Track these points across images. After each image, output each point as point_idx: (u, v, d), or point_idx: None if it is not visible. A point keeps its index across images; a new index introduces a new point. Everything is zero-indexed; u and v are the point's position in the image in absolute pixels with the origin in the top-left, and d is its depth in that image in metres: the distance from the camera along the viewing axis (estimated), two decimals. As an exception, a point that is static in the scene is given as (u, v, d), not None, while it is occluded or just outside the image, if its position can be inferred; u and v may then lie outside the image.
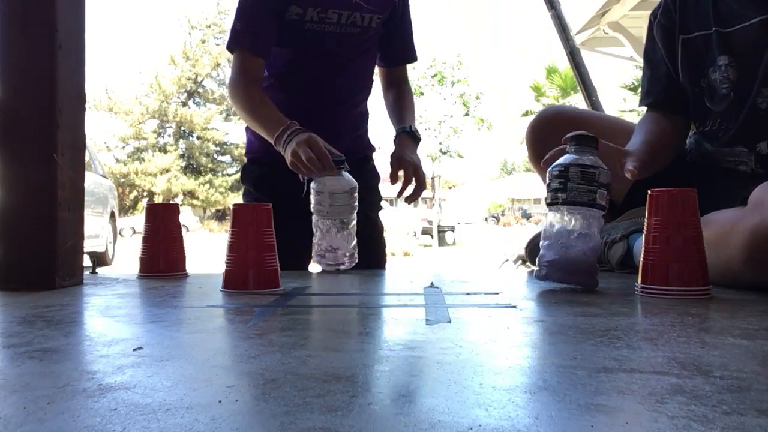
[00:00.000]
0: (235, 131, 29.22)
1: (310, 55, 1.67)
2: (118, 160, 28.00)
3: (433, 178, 17.32)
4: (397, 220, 19.49)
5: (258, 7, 1.59)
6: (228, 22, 26.92)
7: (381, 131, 2.31)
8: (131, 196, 27.74)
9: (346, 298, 1.10)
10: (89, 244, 5.95)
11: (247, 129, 1.84)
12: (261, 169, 1.77)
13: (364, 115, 1.84)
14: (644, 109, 1.57)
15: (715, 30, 1.37)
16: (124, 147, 28.74)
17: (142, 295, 1.15)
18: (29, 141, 1.20)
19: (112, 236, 7.88)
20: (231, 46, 1.64)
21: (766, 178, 1.18)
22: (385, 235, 1.92)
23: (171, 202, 13.51)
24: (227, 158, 29.73)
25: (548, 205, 1.12)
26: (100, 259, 6.44)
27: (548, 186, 1.12)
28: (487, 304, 0.99)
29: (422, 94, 16.27)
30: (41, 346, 0.67)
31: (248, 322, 0.82)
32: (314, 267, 1.89)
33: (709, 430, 0.40)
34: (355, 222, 1.51)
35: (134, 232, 21.48)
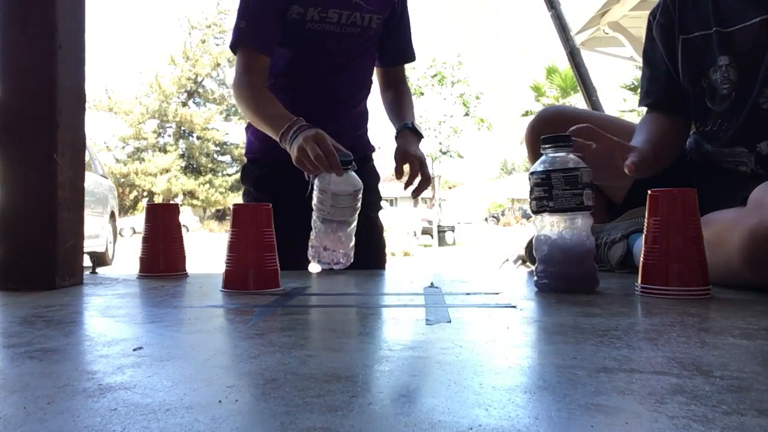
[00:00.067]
0: (235, 131, 29.25)
1: (311, 54, 1.67)
2: (118, 160, 28.01)
3: (433, 178, 17.31)
4: (397, 220, 19.51)
5: (261, 6, 1.59)
6: (228, 22, 26.95)
7: (381, 131, 2.31)
8: (131, 196, 27.74)
9: (346, 298, 1.10)
10: (89, 244, 5.95)
11: (247, 129, 1.84)
12: (261, 169, 1.77)
13: (364, 115, 1.84)
14: (644, 109, 1.57)
15: (715, 30, 1.36)
16: (124, 147, 28.76)
17: (142, 295, 1.15)
18: (29, 141, 1.20)
19: (112, 236, 7.88)
20: (234, 45, 1.63)
21: (766, 178, 1.18)
22: (385, 235, 1.92)
23: (171, 202, 13.51)
24: (227, 158, 29.74)
25: (534, 213, 1.10)
26: (100, 259, 6.45)
27: (531, 193, 1.09)
28: (487, 304, 0.99)
29: (422, 94, 16.28)
30: (41, 346, 0.67)
31: (248, 322, 0.82)
32: (314, 267, 1.89)
33: (709, 430, 0.40)
34: (355, 224, 1.49)
35: (134, 232, 21.49)
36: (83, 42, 1.29)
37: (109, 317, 0.89)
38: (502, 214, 36.98)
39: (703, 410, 0.44)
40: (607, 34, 5.18)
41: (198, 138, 28.73)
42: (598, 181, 1.27)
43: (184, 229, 1.94)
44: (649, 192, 1.06)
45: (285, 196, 1.65)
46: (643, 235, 1.06)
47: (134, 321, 0.87)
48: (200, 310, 0.95)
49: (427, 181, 1.61)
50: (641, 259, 1.05)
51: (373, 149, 1.89)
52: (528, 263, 1.78)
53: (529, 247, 1.64)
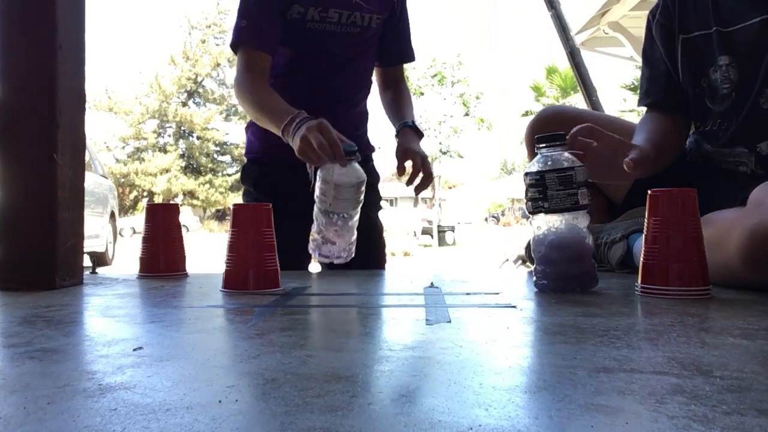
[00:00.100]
0: (235, 131, 29.25)
1: (311, 54, 1.67)
2: (118, 160, 28.01)
3: (433, 179, 17.30)
4: (397, 220, 19.51)
5: (261, 5, 1.59)
6: (228, 22, 26.95)
7: (381, 131, 2.31)
8: (131, 196, 27.75)
9: (346, 298, 1.10)
10: (89, 244, 5.95)
11: (247, 129, 1.84)
12: (261, 169, 1.77)
13: (364, 115, 1.84)
14: (644, 109, 1.57)
15: (715, 29, 1.36)
16: (124, 147, 28.76)
17: (142, 295, 1.15)
18: (29, 141, 1.20)
19: (112, 236, 7.88)
20: (235, 44, 1.62)
21: (767, 178, 1.18)
22: (385, 235, 1.92)
23: (171, 202, 13.52)
24: (227, 158, 29.75)
25: (530, 213, 1.10)
26: (100, 259, 6.45)
27: (526, 193, 1.09)
28: (487, 304, 0.99)
29: (422, 94, 16.28)
30: (41, 346, 0.67)
31: (248, 322, 0.82)
32: (314, 267, 1.89)
33: (709, 430, 0.40)
34: (357, 217, 1.45)
35: (134, 232, 21.49)
36: (83, 42, 1.29)
37: (109, 317, 0.89)
38: (502, 214, 36.99)
39: (703, 410, 0.44)
40: (607, 34, 5.18)
41: (198, 138, 28.74)
42: (600, 179, 1.26)
43: (184, 229, 1.94)
44: (649, 192, 1.06)
45: (285, 196, 1.65)
46: (643, 235, 1.06)
47: (134, 321, 0.87)
48: (200, 310, 0.95)
49: (429, 177, 1.60)
50: (641, 259, 1.05)
51: (373, 149, 1.89)
52: (528, 263, 1.78)
53: (529, 247, 1.64)
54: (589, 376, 0.53)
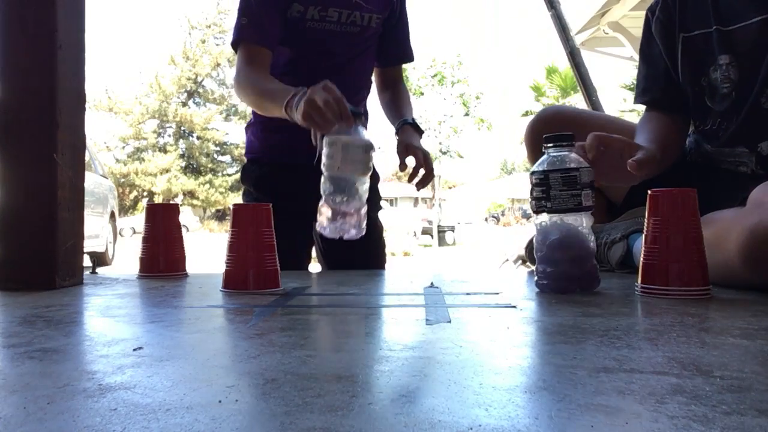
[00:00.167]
0: (235, 131, 29.25)
1: (311, 54, 1.67)
2: (118, 160, 28.01)
3: (433, 179, 17.30)
4: (397, 220, 19.51)
5: (262, 3, 1.59)
6: (228, 22, 26.98)
7: (381, 131, 2.31)
8: (131, 196, 27.75)
9: (346, 298, 1.10)
10: (89, 244, 5.95)
11: (247, 129, 1.84)
12: (261, 169, 1.77)
13: (364, 116, 1.84)
14: (644, 108, 1.57)
15: (715, 28, 1.36)
16: (124, 147, 28.76)
17: (142, 295, 1.15)
18: (29, 141, 1.20)
19: (112, 236, 7.88)
20: (236, 40, 1.60)
21: (767, 178, 1.18)
22: (385, 235, 1.92)
23: (171, 202, 13.52)
24: (227, 158, 29.74)
25: (534, 212, 1.11)
26: (100, 259, 6.45)
27: (531, 193, 1.10)
28: (487, 304, 0.99)
29: (422, 94, 16.28)
30: (41, 346, 0.67)
31: (248, 322, 0.82)
32: (314, 267, 1.89)
33: (709, 430, 0.40)
34: (367, 187, 1.34)
35: (134, 232, 21.49)
36: (83, 42, 1.29)
37: (109, 317, 0.89)
38: (502, 214, 36.99)
39: (703, 410, 0.44)
40: (607, 34, 5.18)
41: (198, 138, 28.74)
42: (608, 182, 1.25)
43: (184, 229, 1.94)
44: (649, 192, 1.06)
45: (285, 196, 1.65)
46: (643, 235, 1.06)
47: (134, 321, 0.87)
48: (200, 310, 0.95)
49: (430, 173, 1.60)
50: (641, 259, 1.05)
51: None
52: (528, 263, 1.78)
53: (529, 247, 1.64)
54: (589, 376, 0.53)
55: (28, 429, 0.42)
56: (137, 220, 22.55)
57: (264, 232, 1.13)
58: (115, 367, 0.58)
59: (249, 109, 1.90)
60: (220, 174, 29.09)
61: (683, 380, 0.52)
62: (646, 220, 1.05)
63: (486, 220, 37.36)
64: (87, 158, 3.62)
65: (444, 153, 16.91)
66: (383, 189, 1.93)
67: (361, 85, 1.79)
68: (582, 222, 1.08)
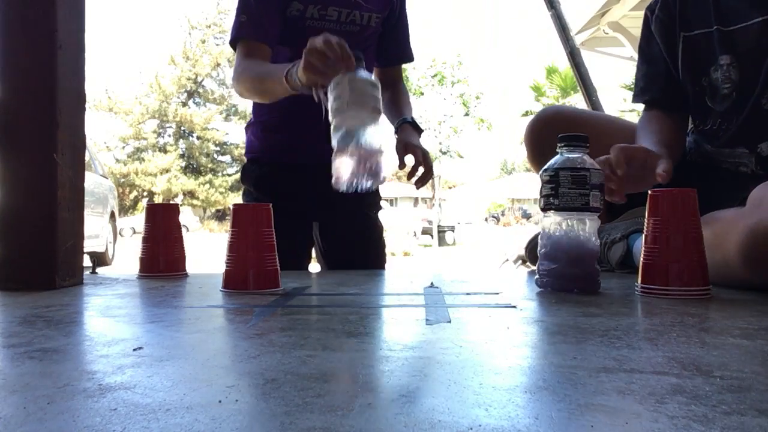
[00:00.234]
0: (235, 131, 29.26)
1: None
2: (118, 160, 28.02)
3: (433, 178, 17.28)
4: (397, 220, 19.51)
5: (261, 1, 1.58)
6: (228, 22, 26.97)
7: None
8: (131, 196, 27.75)
9: (346, 298, 1.10)
10: (89, 244, 5.95)
11: (247, 129, 1.85)
12: (261, 169, 1.77)
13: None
14: (642, 108, 1.56)
15: (716, 28, 1.36)
16: (124, 147, 28.77)
17: (142, 295, 1.15)
18: (29, 141, 1.20)
19: (112, 236, 7.88)
20: (234, 38, 1.60)
21: (767, 179, 1.18)
22: (385, 235, 1.92)
23: (171, 202, 13.52)
24: (227, 158, 29.75)
25: (542, 210, 1.11)
26: (100, 259, 6.45)
27: (540, 191, 1.11)
28: (487, 304, 0.99)
29: (422, 94, 16.28)
30: (41, 346, 0.67)
31: (248, 322, 0.82)
32: (314, 267, 1.90)
33: (709, 430, 0.40)
34: (380, 131, 1.25)
35: (134, 232, 21.49)
36: (83, 42, 1.29)
37: (109, 317, 0.89)
38: (502, 214, 36.99)
39: (703, 410, 0.44)
40: (607, 34, 5.18)
41: (198, 138, 28.74)
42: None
43: (184, 229, 1.94)
44: (649, 192, 1.06)
45: (285, 196, 1.65)
46: (643, 235, 1.06)
47: (134, 321, 0.87)
48: (200, 310, 0.95)
49: (429, 171, 1.60)
50: (641, 259, 1.05)
51: (372, 149, 1.89)
52: (528, 263, 1.78)
53: (529, 246, 1.64)
54: (589, 376, 0.53)
55: (28, 429, 0.42)
56: (137, 220, 22.55)
57: (264, 232, 1.13)
58: (115, 367, 0.58)
59: (249, 109, 1.90)
60: (220, 174, 29.10)
61: (683, 380, 0.52)
62: (646, 220, 1.05)
63: (486, 220, 37.36)
64: (87, 158, 3.62)
65: (444, 153, 16.92)
66: (383, 189, 1.93)
67: (361, 84, 1.79)
68: (587, 223, 1.08)
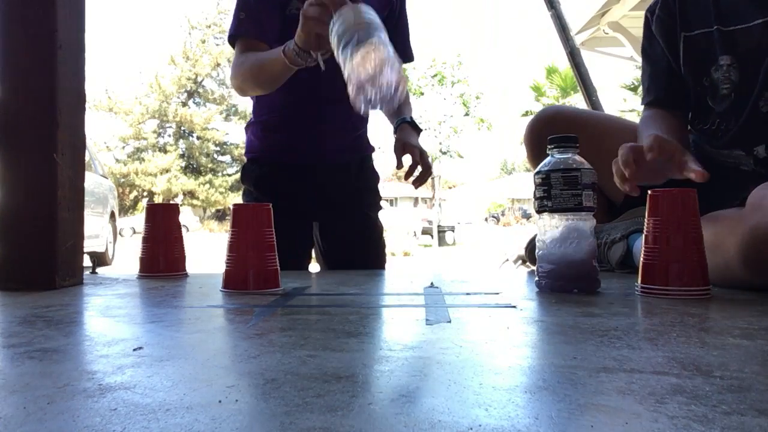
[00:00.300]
0: (235, 131, 29.28)
1: (309, 53, 1.67)
2: (118, 160, 28.03)
3: (433, 178, 17.29)
4: (397, 220, 19.52)
5: None
6: (228, 22, 27.01)
7: (381, 131, 2.31)
8: (131, 196, 27.76)
9: (346, 298, 1.10)
10: (89, 244, 5.95)
11: (247, 129, 1.84)
12: (261, 169, 1.77)
13: (364, 115, 1.84)
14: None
15: (716, 28, 1.35)
16: (124, 147, 28.78)
17: (142, 295, 1.15)
18: (29, 141, 1.20)
19: (112, 236, 7.88)
20: (233, 35, 1.60)
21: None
22: (385, 235, 1.92)
23: (171, 202, 13.52)
24: (227, 158, 29.76)
25: (537, 212, 1.12)
26: (100, 259, 6.45)
27: (534, 194, 1.11)
28: (487, 304, 0.99)
29: (422, 94, 16.29)
30: (41, 346, 0.67)
31: (248, 322, 0.82)
32: (314, 267, 1.90)
33: (709, 430, 0.40)
34: (386, 38, 1.14)
35: (134, 232, 21.50)
36: (83, 42, 1.29)
37: (109, 317, 0.89)
38: (502, 214, 37.00)
39: (703, 410, 0.44)
40: (607, 34, 5.18)
41: (198, 138, 28.75)
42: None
43: (184, 229, 1.94)
44: (649, 192, 1.06)
45: (285, 196, 1.65)
46: (643, 235, 1.06)
47: (134, 321, 0.87)
48: (200, 310, 0.95)
49: (427, 171, 1.60)
50: (641, 259, 1.05)
51: (373, 149, 1.89)
52: (528, 263, 1.78)
53: (529, 247, 1.64)
54: (589, 376, 0.53)
55: (28, 429, 0.42)
56: (137, 220, 22.56)
57: (264, 232, 1.13)
58: (115, 367, 0.58)
59: (249, 109, 1.90)
60: (220, 174, 29.11)
61: (683, 380, 0.52)
62: (646, 220, 1.05)
63: (486, 220, 37.37)
64: (87, 158, 3.62)
65: (444, 153, 16.92)
66: (383, 189, 1.94)
67: (361, 84, 1.79)
68: (583, 222, 1.08)
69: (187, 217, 26.06)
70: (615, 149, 1.18)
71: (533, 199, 1.12)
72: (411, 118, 1.70)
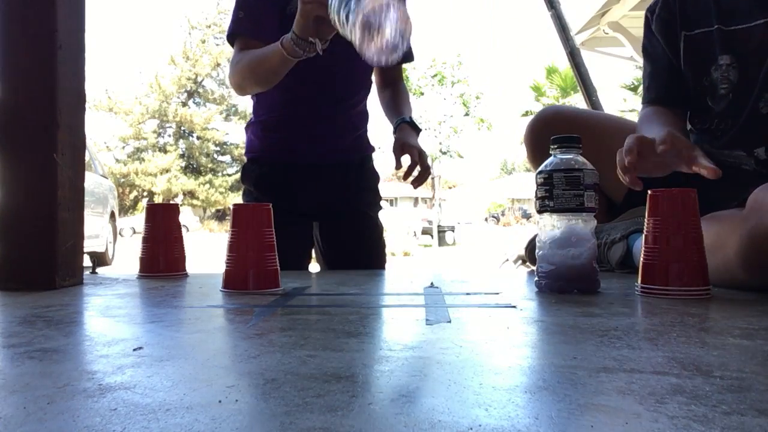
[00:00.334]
0: (235, 131, 29.28)
1: (310, 52, 1.67)
2: (118, 160, 28.03)
3: (433, 178, 17.30)
4: (397, 220, 19.52)
5: None
6: (227, 22, 27.04)
7: (381, 131, 2.31)
8: (131, 196, 27.77)
9: (346, 298, 1.10)
10: (89, 244, 5.95)
11: (247, 129, 1.84)
12: (261, 169, 1.77)
13: (364, 115, 1.84)
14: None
15: (717, 27, 1.35)
16: (124, 147, 28.79)
17: (142, 295, 1.15)
18: (29, 141, 1.20)
19: (112, 236, 7.88)
20: (232, 34, 1.59)
21: None
22: (385, 235, 1.92)
23: (171, 202, 13.52)
24: (227, 158, 29.77)
25: (538, 212, 1.11)
26: (100, 259, 6.45)
27: (535, 193, 1.11)
28: (487, 304, 0.99)
29: (422, 94, 16.29)
30: (41, 346, 0.67)
31: (248, 322, 0.82)
32: (314, 267, 1.90)
33: (709, 430, 0.40)
34: None
35: (134, 232, 21.50)
36: (83, 42, 1.29)
37: (109, 317, 0.89)
38: (502, 214, 37.00)
39: (703, 410, 0.44)
40: (607, 34, 5.18)
41: (198, 138, 28.75)
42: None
43: (184, 229, 1.94)
44: (649, 192, 1.06)
45: (285, 195, 1.65)
46: (643, 235, 1.06)
47: (134, 321, 0.87)
48: (200, 310, 0.95)
49: (426, 171, 1.60)
50: (641, 259, 1.05)
51: (373, 149, 1.89)
52: (528, 263, 1.78)
53: (529, 247, 1.64)
54: (589, 376, 0.53)
55: (28, 429, 0.42)
56: (137, 220, 22.56)
57: (264, 232, 1.13)
58: (115, 367, 0.58)
59: (249, 109, 1.90)
60: (220, 174, 29.12)
61: (683, 380, 0.52)
62: (646, 220, 1.05)
63: (486, 220, 37.36)
64: (87, 158, 3.62)
65: (444, 153, 16.92)
66: (383, 189, 1.94)
67: (362, 84, 1.79)
68: (584, 223, 1.08)
69: (187, 217, 26.07)
70: (615, 149, 1.18)
71: (534, 199, 1.12)
72: (410, 117, 1.70)
